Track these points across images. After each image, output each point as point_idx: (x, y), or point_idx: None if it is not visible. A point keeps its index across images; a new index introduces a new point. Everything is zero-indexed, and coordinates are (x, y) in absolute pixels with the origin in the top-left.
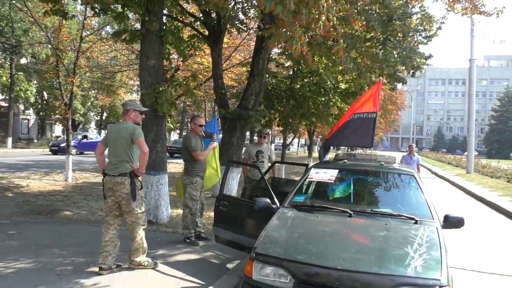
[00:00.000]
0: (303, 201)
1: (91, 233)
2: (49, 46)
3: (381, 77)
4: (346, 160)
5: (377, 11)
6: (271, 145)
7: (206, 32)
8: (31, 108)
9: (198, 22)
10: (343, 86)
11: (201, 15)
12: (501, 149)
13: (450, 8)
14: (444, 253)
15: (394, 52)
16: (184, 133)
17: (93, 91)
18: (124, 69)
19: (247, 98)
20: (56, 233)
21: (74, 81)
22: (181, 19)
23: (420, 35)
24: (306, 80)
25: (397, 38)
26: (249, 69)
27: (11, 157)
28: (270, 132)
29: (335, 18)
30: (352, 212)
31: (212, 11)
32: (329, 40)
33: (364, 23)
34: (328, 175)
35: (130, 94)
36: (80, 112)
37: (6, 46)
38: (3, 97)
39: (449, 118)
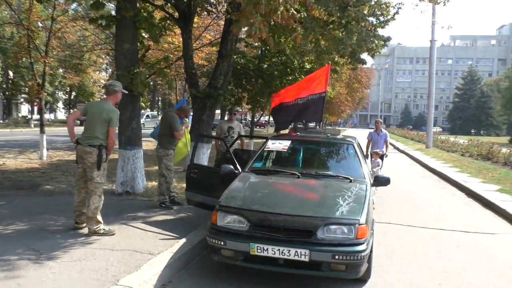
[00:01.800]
0: (260, 167)
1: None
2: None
3: (342, 58)
4: (298, 133)
5: None
6: (242, 122)
7: (177, 14)
8: None
9: (169, 5)
10: (308, 66)
11: None
12: (463, 126)
13: None
14: (367, 203)
15: (351, 35)
16: (156, 112)
17: (61, 70)
18: (93, 48)
19: (216, 78)
20: (42, 203)
21: (46, 61)
22: (152, 1)
23: (377, 19)
24: (274, 60)
25: (353, 23)
26: (219, 49)
27: None
28: (240, 110)
29: (292, 9)
30: (299, 174)
31: None
32: (287, 27)
33: (322, 11)
34: (282, 145)
35: (99, 73)
36: (48, 91)
37: None
38: None
39: (415, 96)
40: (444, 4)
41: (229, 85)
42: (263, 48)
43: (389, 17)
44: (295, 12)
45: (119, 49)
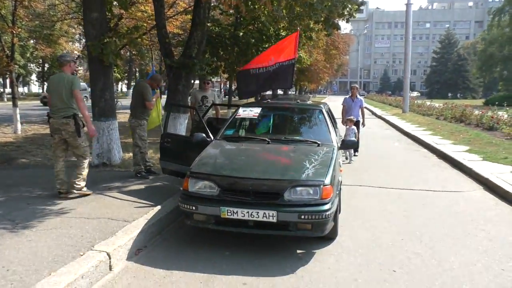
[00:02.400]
0: (232, 134)
1: (51, 174)
2: None
3: (317, 24)
4: (269, 100)
5: None
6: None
7: None
8: None
9: None
10: (283, 33)
11: None
12: (441, 90)
13: None
14: (332, 165)
15: (322, 0)
16: (133, 83)
17: (32, 41)
18: (64, 17)
19: (190, 47)
20: (18, 176)
21: (14, 31)
22: None
23: None
24: (250, 27)
25: None
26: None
27: None
28: (219, 79)
29: None
30: (269, 140)
31: None
32: None
33: None
34: (253, 112)
35: (72, 44)
36: (20, 64)
37: None
38: None
39: (394, 61)
40: None
41: (205, 54)
42: (238, 16)
43: None
44: None
45: (87, 18)
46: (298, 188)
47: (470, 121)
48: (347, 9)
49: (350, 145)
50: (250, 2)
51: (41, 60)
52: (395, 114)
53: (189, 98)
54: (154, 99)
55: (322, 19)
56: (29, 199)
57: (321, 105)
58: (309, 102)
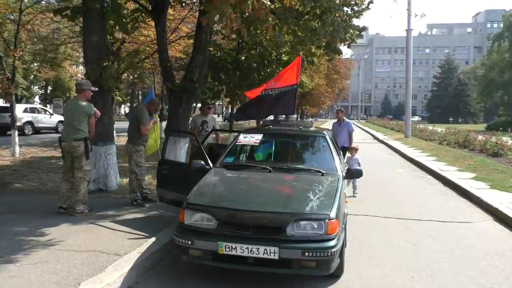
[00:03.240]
0: (232, 162)
1: (45, 201)
2: None
3: (318, 49)
4: (271, 126)
5: None
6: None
7: (150, 7)
8: None
9: None
10: (285, 57)
11: None
12: (442, 114)
13: None
14: (338, 197)
15: (324, 26)
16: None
17: (35, 64)
18: (68, 41)
19: (191, 70)
20: (9, 202)
21: (16, 54)
22: None
23: (352, 9)
24: (252, 52)
25: (327, 13)
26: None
27: None
28: (222, 103)
29: None
30: (271, 169)
31: None
32: (258, 18)
33: (296, 1)
34: (254, 139)
35: (76, 67)
36: (23, 86)
37: None
38: None
39: (395, 86)
40: None
41: (207, 78)
42: (240, 41)
43: (363, 6)
44: (266, 2)
45: (87, 41)
46: (302, 222)
47: (474, 147)
48: (349, 34)
49: (356, 175)
50: (252, 27)
51: (44, 83)
52: (398, 139)
53: (190, 123)
54: (151, 124)
55: (324, 44)
56: (17, 228)
57: (325, 132)
58: (312, 128)
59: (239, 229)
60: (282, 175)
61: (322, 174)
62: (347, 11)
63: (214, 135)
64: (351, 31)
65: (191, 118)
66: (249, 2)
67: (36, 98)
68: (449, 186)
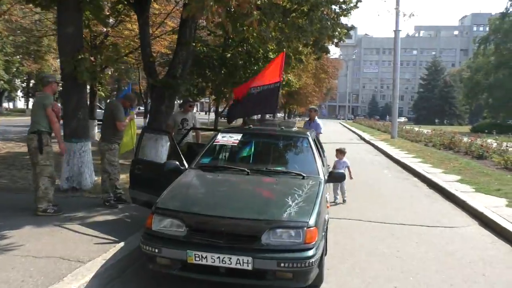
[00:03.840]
0: (208, 162)
1: (13, 199)
2: None
3: (306, 47)
4: (251, 126)
5: None
6: (196, 113)
7: None
8: None
9: None
10: (272, 55)
11: None
12: (428, 116)
13: None
14: (318, 202)
15: (311, 23)
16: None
17: (18, 57)
18: (50, 33)
19: (174, 66)
20: None
21: None
22: None
23: (340, 7)
24: (239, 49)
25: (314, 10)
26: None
27: None
28: (209, 100)
29: None
30: (249, 171)
31: None
32: (243, 11)
33: None
34: (232, 139)
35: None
36: (4, 79)
37: None
38: None
39: (382, 87)
40: None
41: (192, 74)
42: (227, 37)
43: (351, 5)
44: None
45: (61, 33)
46: (278, 230)
47: (459, 149)
48: (336, 33)
49: (338, 178)
50: (238, 23)
51: (26, 76)
52: (384, 140)
53: (169, 121)
54: (127, 120)
55: (311, 42)
56: None
57: (308, 133)
58: (294, 128)
59: (211, 236)
60: (260, 178)
61: (303, 178)
62: (335, 9)
63: (194, 134)
64: (339, 29)
65: (171, 116)
66: None
67: (19, 92)
68: (434, 189)
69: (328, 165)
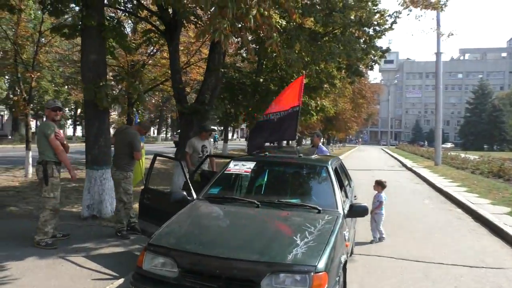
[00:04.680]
0: (217, 193)
1: (30, 228)
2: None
3: (339, 71)
4: (267, 153)
5: (319, 4)
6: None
7: (163, 27)
8: (4, 104)
9: (156, 17)
10: (305, 80)
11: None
12: (475, 141)
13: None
14: (332, 241)
15: (339, 44)
16: (164, 129)
17: (66, 87)
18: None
19: (203, 93)
20: None
21: (32, 76)
22: (136, 13)
23: (374, 29)
24: (272, 74)
25: (343, 30)
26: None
27: None
28: (244, 127)
29: (266, 12)
30: (259, 203)
31: (166, 6)
32: (262, 33)
33: (300, 14)
34: (245, 167)
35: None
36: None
37: None
38: None
39: (426, 111)
40: (441, 10)
41: (224, 100)
42: (260, 63)
43: (386, 26)
44: (270, 16)
45: (84, 60)
46: (282, 275)
47: (509, 177)
48: (371, 55)
49: (359, 212)
50: (269, 49)
51: (74, 105)
52: (427, 167)
53: (187, 148)
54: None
55: (344, 66)
56: None
57: (329, 161)
58: (314, 156)
59: (204, 280)
60: (270, 212)
61: (319, 212)
62: (368, 31)
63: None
64: (373, 52)
65: (188, 143)
66: (251, 16)
67: (69, 121)
68: (480, 222)
69: (355, 196)
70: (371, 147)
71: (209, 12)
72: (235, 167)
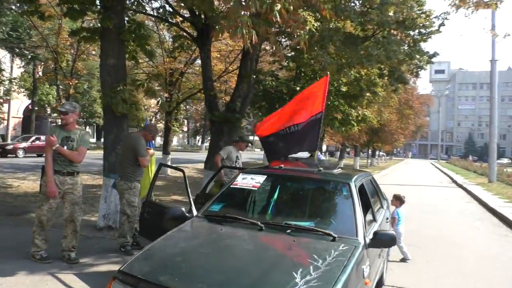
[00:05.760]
0: (218, 211)
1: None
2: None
3: (381, 78)
4: (283, 165)
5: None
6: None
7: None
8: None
9: (188, 23)
10: (344, 88)
11: (188, 14)
12: None
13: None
14: (343, 280)
15: (377, 44)
16: (208, 137)
17: None
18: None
19: (234, 100)
20: (6, 235)
21: (71, 83)
22: (168, 19)
23: (419, 32)
24: (311, 82)
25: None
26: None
27: (30, 158)
28: None
29: (291, 7)
30: (263, 226)
31: (198, 11)
32: (287, 29)
33: (332, 12)
34: (253, 181)
35: (148, 98)
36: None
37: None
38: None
39: (480, 124)
40: (496, 8)
41: (261, 109)
42: (299, 70)
43: (432, 29)
44: (296, 12)
45: (103, 64)
46: None
47: None
48: (415, 60)
49: (385, 242)
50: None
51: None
52: (480, 184)
53: (222, 152)
54: (148, 156)
55: (386, 72)
56: None
57: (353, 177)
58: (336, 171)
59: None
60: (273, 237)
61: (333, 239)
62: (413, 34)
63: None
64: (418, 56)
65: (224, 148)
66: (275, 11)
67: None
68: None
69: (388, 219)
70: (420, 161)
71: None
72: (242, 181)
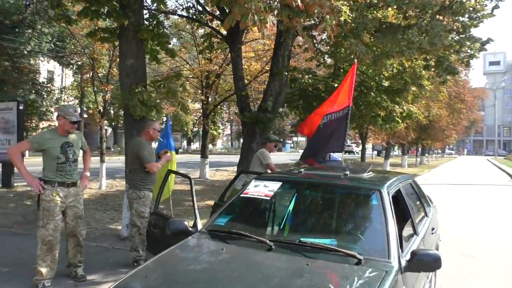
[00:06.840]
0: (224, 225)
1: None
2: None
3: (427, 70)
4: (302, 170)
5: None
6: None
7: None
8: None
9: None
10: (386, 83)
11: (218, 12)
12: None
13: None
14: None
15: (419, 30)
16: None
17: (158, 100)
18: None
19: (266, 99)
20: (21, 247)
21: (107, 89)
22: (197, 17)
23: (469, 17)
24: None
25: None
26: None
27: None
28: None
29: None
30: (273, 244)
31: (228, 8)
32: (310, 13)
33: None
34: (266, 189)
35: (194, 102)
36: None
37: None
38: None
39: None
40: None
41: (298, 109)
42: (337, 66)
43: (484, 12)
44: None
45: (121, 65)
46: None
47: None
48: (466, 48)
49: (426, 264)
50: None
51: (165, 118)
52: None
53: (269, 158)
54: (163, 161)
55: (433, 62)
56: None
57: (386, 182)
58: (365, 175)
59: None
60: (283, 259)
61: (358, 262)
62: (462, 20)
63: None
64: (468, 43)
65: (261, 150)
66: None
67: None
68: None
69: (433, 229)
70: (475, 158)
71: None
72: (254, 189)
